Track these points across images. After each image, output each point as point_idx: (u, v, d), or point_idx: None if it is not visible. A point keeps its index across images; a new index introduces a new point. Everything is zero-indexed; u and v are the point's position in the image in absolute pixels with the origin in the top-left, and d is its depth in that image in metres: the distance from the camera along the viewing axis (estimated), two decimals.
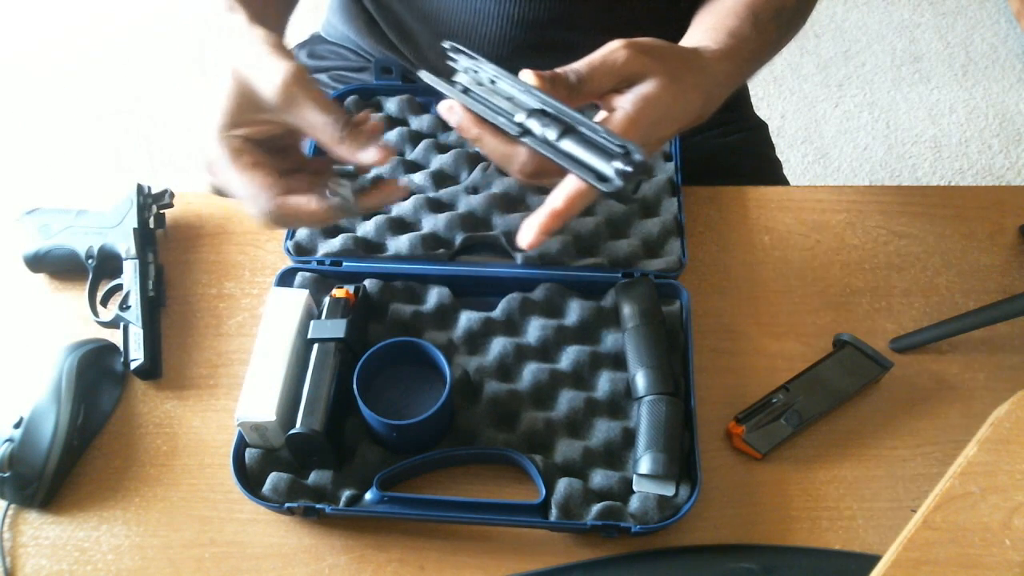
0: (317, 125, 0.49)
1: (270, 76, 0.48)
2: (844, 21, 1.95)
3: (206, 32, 0.55)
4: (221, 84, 0.50)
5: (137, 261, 0.66)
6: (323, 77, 0.88)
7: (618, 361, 0.62)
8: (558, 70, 0.50)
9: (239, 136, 0.51)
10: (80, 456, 0.60)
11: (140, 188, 0.69)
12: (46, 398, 0.59)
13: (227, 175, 0.51)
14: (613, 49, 0.50)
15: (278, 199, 0.51)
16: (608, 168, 0.46)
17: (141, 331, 0.63)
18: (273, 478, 0.56)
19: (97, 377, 0.62)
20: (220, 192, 0.53)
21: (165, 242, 0.71)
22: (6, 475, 0.57)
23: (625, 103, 0.51)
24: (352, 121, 0.50)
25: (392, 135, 0.74)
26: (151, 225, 0.69)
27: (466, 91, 0.53)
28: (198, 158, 0.52)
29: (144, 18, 1.97)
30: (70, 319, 0.67)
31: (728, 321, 0.66)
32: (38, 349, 0.65)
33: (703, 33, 0.59)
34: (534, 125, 0.49)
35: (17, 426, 0.58)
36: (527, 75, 0.50)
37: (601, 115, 0.52)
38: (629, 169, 0.46)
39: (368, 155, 0.50)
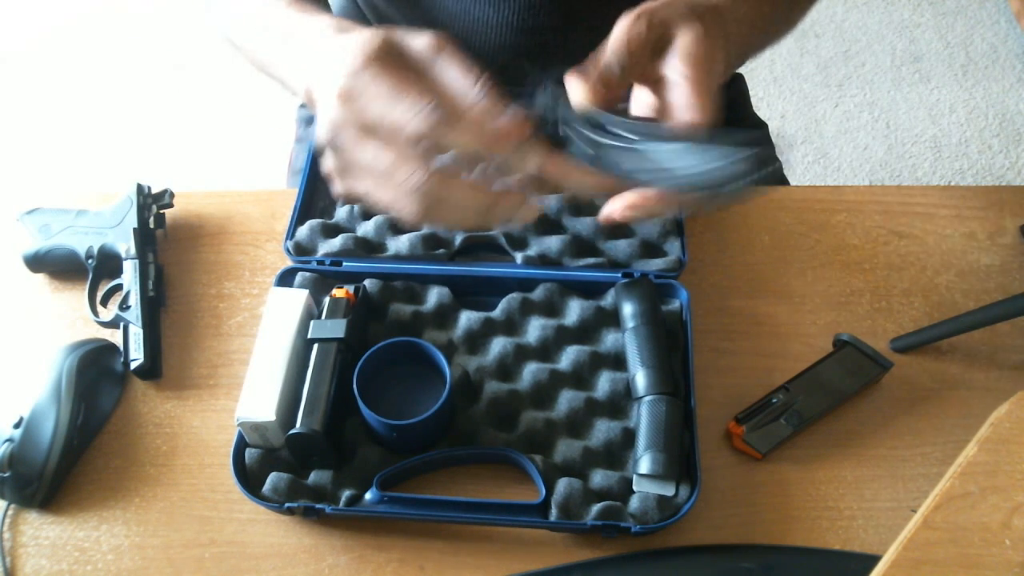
0: (459, 80, 0.44)
1: (417, 34, 0.45)
2: (844, 21, 1.95)
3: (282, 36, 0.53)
4: (352, 39, 0.45)
5: (137, 261, 0.66)
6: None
7: (618, 361, 0.62)
8: (600, 68, 0.48)
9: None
10: (80, 456, 0.60)
11: (140, 188, 0.69)
12: (46, 398, 0.59)
13: (379, 106, 0.43)
14: (629, 25, 0.48)
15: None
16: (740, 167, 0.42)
17: (141, 331, 0.63)
18: (273, 478, 0.56)
19: (97, 377, 0.62)
20: (348, 182, 0.46)
21: (165, 242, 0.71)
22: (6, 475, 0.57)
23: (674, 68, 0.48)
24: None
25: None
26: (151, 225, 0.69)
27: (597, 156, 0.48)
28: (324, 124, 0.44)
29: (144, 18, 1.97)
30: (70, 319, 0.67)
31: (728, 321, 0.66)
32: (38, 349, 0.65)
33: None
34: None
35: (17, 426, 0.58)
36: (574, 85, 0.48)
37: (667, 90, 0.48)
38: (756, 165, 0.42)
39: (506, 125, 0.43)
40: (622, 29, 0.48)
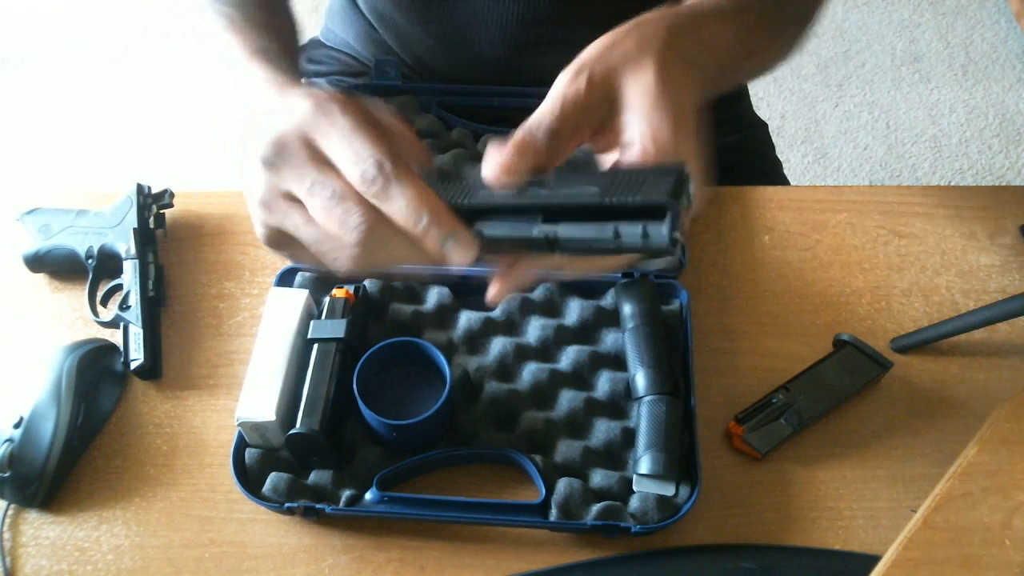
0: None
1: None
2: (844, 21, 1.95)
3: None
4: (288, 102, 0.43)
5: (137, 261, 0.66)
6: (321, 81, 0.88)
7: (618, 361, 0.62)
8: (520, 135, 0.41)
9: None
10: (80, 456, 0.60)
11: (140, 188, 0.69)
12: (46, 398, 0.59)
13: (327, 145, 0.41)
14: (565, 84, 0.42)
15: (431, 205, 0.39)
16: (657, 235, 0.36)
17: (141, 331, 0.63)
18: (273, 478, 0.56)
19: (97, 377, 0.62)
20: (276, 238, 0.45)
21: (165, 242, 0.71)
22: (6, 475, 0.57)
23: (633, 127, 0.41)
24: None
25: None
26: (151, 225, 0.69)
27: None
28: (251, 165, 0.43)
29: (144, 17, 1.97)
30: (70, 319, 0.67)
31: (728, 321, 0.66)
32: (38, 349, 0.65)
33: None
34: (559, 229, 0.39)
35: (17, 426, 0.58)
36: (490, 160, 0.41)
37: (625, 153, 0.42)
38: (675, 234, 0.36)
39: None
40: (556, 89, 0.42)
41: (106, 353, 0.63)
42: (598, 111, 0.43)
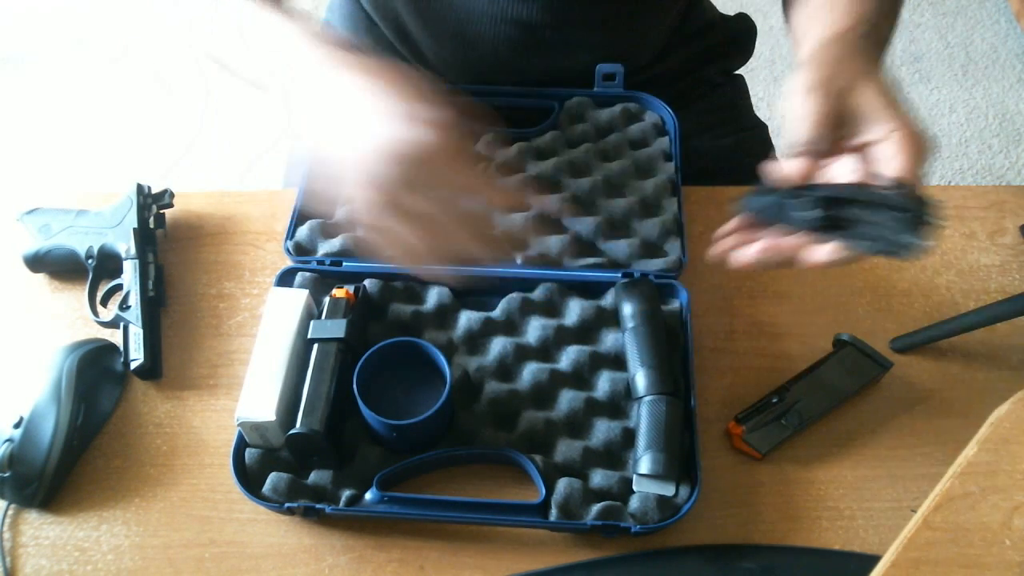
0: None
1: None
2: None
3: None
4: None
5: (137, 261, 0.66)
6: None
7: (618, 361, 0.62)
8: (805, 146, 0.50)
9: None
10: (80, 456, 0.60)
11: (140, 188, 0.69)
12: (46, 398, 0.59)
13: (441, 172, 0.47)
14: (813, 103, 0.50)
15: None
16: (910, 239, 0.45)
17: (141, 331, 0.63)
18: (273, 478, 0.56)
19: (97, 377, 0.62)
20: (376, 239, 0.50)
21: (165, 242, 0.71)
22: (6, 475, 0.57)
23: (876, 131, 0.50)
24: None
25: None
26: (151, 225, 0.69)
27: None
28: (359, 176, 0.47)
29: (144, 16, 1.97)
30: (70, 319, 0.67)
31: (728, 321, 0.66)
32: (38, 349, 0.65)
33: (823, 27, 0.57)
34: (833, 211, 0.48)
35: (17, 426, 0.58)
36: (787, 167, 0.50)
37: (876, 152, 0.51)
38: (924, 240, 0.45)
39: None
40: (802, 109, 0.50)
41: (106, 353, 0.63)
42: (835, 124, 0.50)
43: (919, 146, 0.49)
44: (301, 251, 0.66)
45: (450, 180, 0.48)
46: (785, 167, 0.50)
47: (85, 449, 0.61)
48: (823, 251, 0.49)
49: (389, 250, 0.50)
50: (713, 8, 0.89)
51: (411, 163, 0.46)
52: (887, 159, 0.49)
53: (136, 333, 0.63)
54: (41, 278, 0.69)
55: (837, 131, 0.51)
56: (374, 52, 0.57)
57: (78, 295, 0.67)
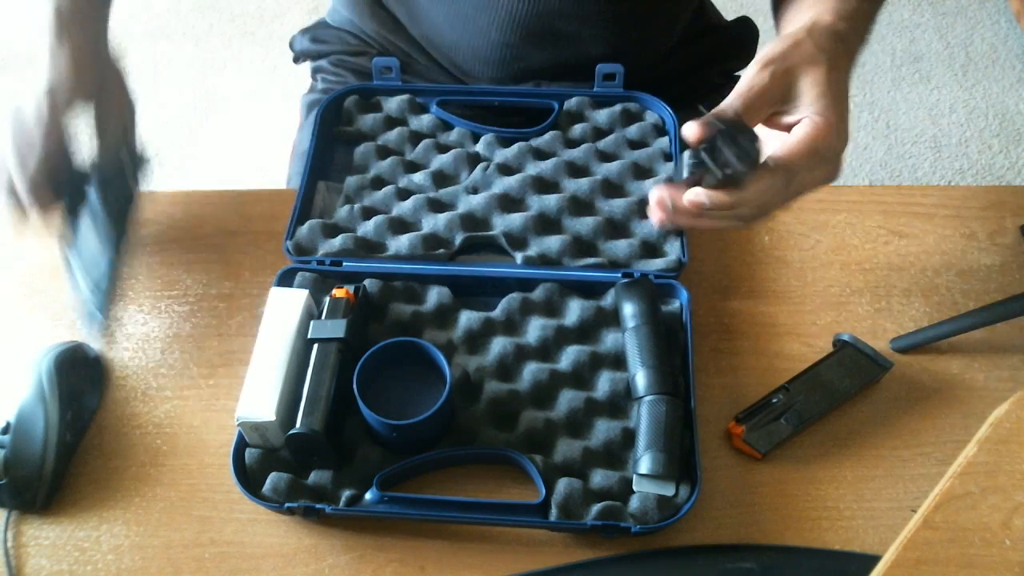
0: None
1: None
2: None
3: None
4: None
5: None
6: (324, 63, 0.88)
7: (618, 361, 0.62)
8: (716, 112, 0.52)
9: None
10: (76, 452, 0.60)
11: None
12: (31, 400, 0.58)
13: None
14: (754, 75, 0.52)
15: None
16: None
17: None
18: (273, 478, 0.56)
19: (76, 373, 0.61)
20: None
21: (164, 242, 0.71)
22: (2, 482, 0.56)
23: (804, 110, 0.52)
24: None
25: (392, 135, 0.74)
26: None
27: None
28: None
29: (144, 17, 1.97)
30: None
31: (728, 321, 0.66)
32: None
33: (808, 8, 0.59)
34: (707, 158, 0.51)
35: (5, 432, 0.57)
36: (689, 129, 0.52)
37: (784, 138, 0.53)
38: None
39: None
40: (745, 78, 0.53)
41: (79, 350, 0.63)
42: (776, 99, 0.53)
43: (824, 137, 0.51)
44: (301, 251, 0.66)
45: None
46: (684, 129, 0.52)
47: (80, 443, 0.60)
48: (690, 194, 0.52)
49: None
50: (717, 13, 0.90)
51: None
52: (786, 137, 0.52)
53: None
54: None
55: (778, 106, 0.53)
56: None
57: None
